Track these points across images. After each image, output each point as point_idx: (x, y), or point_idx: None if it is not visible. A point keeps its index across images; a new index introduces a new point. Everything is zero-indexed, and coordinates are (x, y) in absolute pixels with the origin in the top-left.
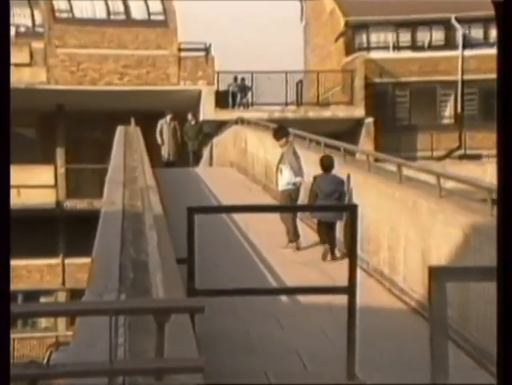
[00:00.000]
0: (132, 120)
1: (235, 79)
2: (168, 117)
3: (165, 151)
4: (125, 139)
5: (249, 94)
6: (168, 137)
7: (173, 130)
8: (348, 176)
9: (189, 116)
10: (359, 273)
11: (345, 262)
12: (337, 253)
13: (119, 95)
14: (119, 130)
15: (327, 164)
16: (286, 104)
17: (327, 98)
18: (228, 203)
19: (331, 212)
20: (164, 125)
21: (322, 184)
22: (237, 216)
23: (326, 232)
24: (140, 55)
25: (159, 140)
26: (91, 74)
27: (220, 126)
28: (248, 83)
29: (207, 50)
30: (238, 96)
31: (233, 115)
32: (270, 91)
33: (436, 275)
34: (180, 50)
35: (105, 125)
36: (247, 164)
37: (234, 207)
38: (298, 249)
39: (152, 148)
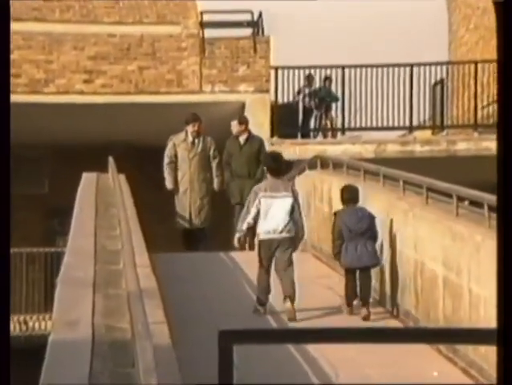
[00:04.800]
0: (111, 161)
1: (308, 79)
2: (190, 128)
3: (183, 206)
4: (96, 199)
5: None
6: (189, 172)
7: (201, 153)
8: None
9: (234, 125)
10: None
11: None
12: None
13: (87, 113)
14: (85, 180)
15: (347, 197)
16: (411, 128)
17: (495, 113)
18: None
19: (364, 255)
20: (181, 145)
21: (347, 219)
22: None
23: (360, 280)
24: (128, 36)
25: (168, 183)
26: (30, 72)
27: None
28: (336, 88)
29: (256, 24)
30: (316, 113)
31: (307, 149)
32: (377, 104)
33: None
34: (202, 25)
35: (56, 171)
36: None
37: (303, 332)
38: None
39: (153, 212)
